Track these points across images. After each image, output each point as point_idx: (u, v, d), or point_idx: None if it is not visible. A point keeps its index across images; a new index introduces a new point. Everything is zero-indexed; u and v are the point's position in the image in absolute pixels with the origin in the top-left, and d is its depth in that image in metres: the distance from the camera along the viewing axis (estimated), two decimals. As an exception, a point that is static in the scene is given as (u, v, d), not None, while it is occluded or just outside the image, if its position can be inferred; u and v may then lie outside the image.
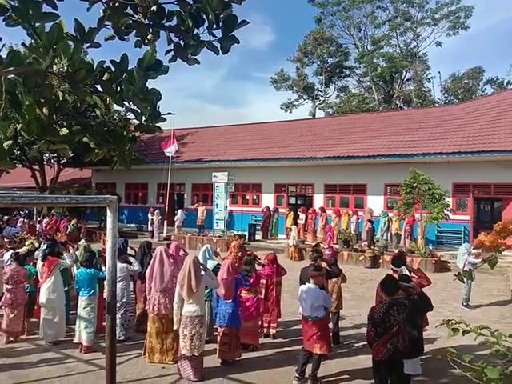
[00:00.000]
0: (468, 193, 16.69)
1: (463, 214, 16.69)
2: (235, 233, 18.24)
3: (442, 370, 5.73)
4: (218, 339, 6.14)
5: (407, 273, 6.04)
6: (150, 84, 3.20)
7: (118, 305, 6.70)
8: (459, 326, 2.13)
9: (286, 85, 45.28)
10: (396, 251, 11.51)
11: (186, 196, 24.19)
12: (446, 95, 40.62)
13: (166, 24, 2.87)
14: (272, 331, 7.31)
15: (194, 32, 2.84)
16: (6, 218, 19.40)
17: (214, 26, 2.76)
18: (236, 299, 6.22)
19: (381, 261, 14.52)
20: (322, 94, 44.93)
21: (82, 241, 10.27)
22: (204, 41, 2.86)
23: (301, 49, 42.77)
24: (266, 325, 7.31)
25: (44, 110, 3.20)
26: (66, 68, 3.04)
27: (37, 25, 2.85)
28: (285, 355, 6.58)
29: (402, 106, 39.44)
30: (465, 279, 2.79)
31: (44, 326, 6.94)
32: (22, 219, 19.83)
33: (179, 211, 21.19)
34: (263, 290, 7.18)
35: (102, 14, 2.87)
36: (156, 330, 6.16)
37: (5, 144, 3.04)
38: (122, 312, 7.01)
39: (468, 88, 38.97)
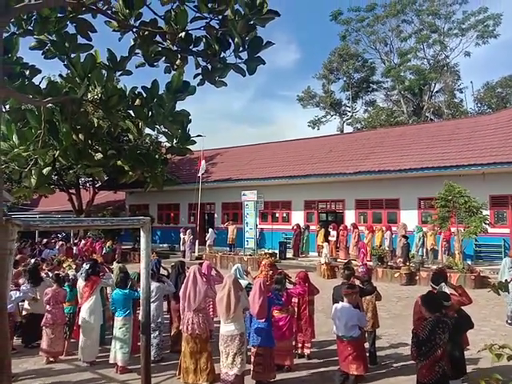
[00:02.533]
0: (506, 205, 16.05)
1: (502, 227, 16.02)
2: (266, 251, 18.19)
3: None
4: (252, 359, 6.07)
5: (446, 290, 5.81)
6: (180, 106, 3.29)
7: (154, 325, 6.76)
8: (503, 350, 1.97)
9: (312, 102, 45.42)
10: (433, 267, 11.14)
11: (216, 215, 24.41)
12: (479, 105, 39.61)
13: (193, 49, 2.97)
14: (306, 351, 7.15)
15: (221, 55, 2.92)
16: (44, 240, 20.12)
17: (240, 49, 2.83)
18: (269, 319, 6.15)
19: (417, 277, 14.00)
20: (349, 110, 44.82)
21: (115, 263, 10.47)
22: (230, 63, 2.93)
23: (326, 66, 42.98)
24: (300, 345, 7.17)
25: (80, 136, 3.34)
26: (99, 95, 3.18)
27: (72, 55, 3.01)
28: (320, 376, 6.42)
29: (432, 118, 38.66)
30: (509, 296, 2.66)
31: (82, 347, 7.09)
32: (59, 242, 20.46)
33: (210, 230, 21.37)
34: (295, 309, 7.08)
35: (132, 43, 3.00)
36: (190, 350, 6.15)
37: (44, 170, 3.19)
38: (158, 333, 7.07)
39: (502, 97, 37.86)
